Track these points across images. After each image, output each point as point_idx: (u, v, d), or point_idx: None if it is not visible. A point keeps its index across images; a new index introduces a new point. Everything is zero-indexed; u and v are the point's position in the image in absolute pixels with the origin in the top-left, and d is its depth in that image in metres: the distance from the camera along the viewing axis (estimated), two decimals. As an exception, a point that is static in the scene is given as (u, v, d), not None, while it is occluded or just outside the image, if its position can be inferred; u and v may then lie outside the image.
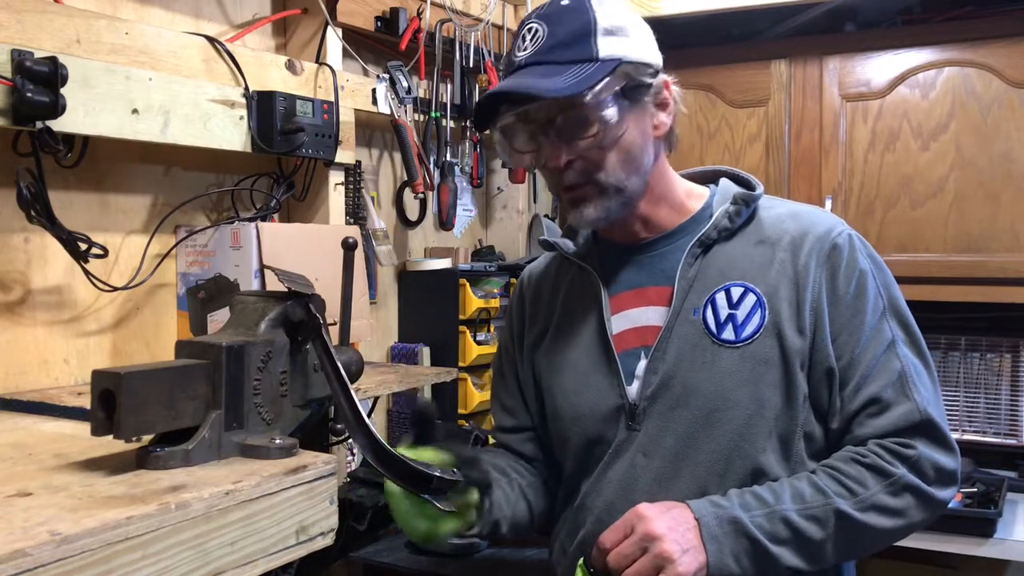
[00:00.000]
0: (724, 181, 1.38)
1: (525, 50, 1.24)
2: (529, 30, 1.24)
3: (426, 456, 1.18)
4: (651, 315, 1.31)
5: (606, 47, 1.22)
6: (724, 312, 1.26)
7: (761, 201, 1.34)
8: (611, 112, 1.21)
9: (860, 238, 1.31)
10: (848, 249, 1.27)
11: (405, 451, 1.18)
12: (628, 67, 1.23)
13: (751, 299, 1.26)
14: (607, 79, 1.20)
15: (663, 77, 1.28)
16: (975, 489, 2.38)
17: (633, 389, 1.29)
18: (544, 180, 1.34)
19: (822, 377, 1.24)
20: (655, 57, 1.28)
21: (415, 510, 1.18)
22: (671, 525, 1.15)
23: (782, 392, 1.23)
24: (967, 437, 2.63)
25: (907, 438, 1.21)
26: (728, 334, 1.25)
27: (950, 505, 2.25)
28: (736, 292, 1.26)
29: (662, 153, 1.32)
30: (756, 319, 1.25)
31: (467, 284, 2.51)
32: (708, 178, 1.41)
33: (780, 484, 1.21)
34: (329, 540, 0.98)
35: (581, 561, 1.22)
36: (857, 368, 1.23)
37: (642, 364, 1.29)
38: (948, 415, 2.63)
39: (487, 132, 2.55)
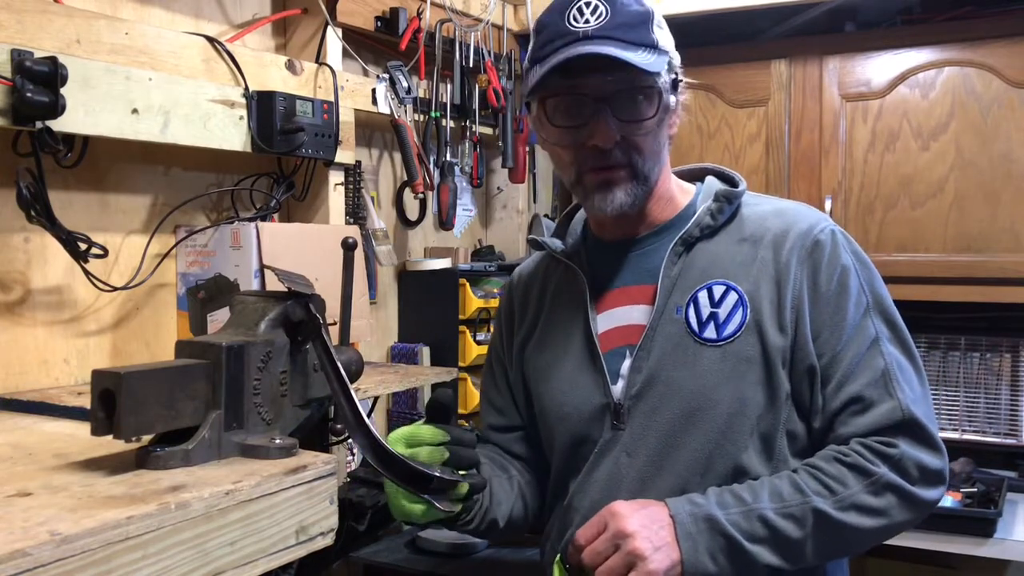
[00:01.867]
0: (709, 179, 1.38)
1: (587, 23, 1.22)
2: (587, 5, 1.23)
3: (423, 432, 1.18)
4: (635, 314, 1.31)
5: (661, 38, 1.25)
6: (706, 311, 1.26)
7: (745, 198, 1.34)
8: (671, 100, 1.25)
9: (844, 234, 1.30)
10: (830, 245, 1.26)
11: (406, 429, 1.18)
12: (672, 62, 1.27)
13: (732, 297, 1.25)
14: (667, 68, 1.24)
15: (684, 79, 1.31)
16: (975, 489, 2.38)
17: (618, 388, 1.29)
18: (563, 160, 1.30)
19: (804, 375, 1.24)
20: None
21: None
22: (644, 523, 1.15)
23: (764, 390, 1.23)
24: (967, 437, 2.63)
25: (890, 437, 1.20)
26: (710, 332, 1.25)
27: (949, 505, 2.27)
28: (718, 290, 1.26)
29: (667, 151, 1.34)
30: (737, 317, 1.25)
31: (467, 284, 2.51)
32: (695, 176, 1.41)
33: (759, 483, 1.21)
34: (329, 540, 0.98)
35: (558, 558, 1.22)
36: (839, 366, 1.23)
37: (626, 363, 1.29)
38: (948, 415, 2.66)
39: (493, 128, 2.58)
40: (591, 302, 1.34)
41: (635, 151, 1.24)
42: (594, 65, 1.19)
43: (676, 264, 1.29)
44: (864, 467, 1.19)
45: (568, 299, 1.38)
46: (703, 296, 1.27)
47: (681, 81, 1.29)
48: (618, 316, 1.32)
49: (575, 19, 1.23)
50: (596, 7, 1.22)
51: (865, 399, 1.22)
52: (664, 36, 1.26)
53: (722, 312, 1.25)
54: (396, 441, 1.19)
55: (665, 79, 1.24)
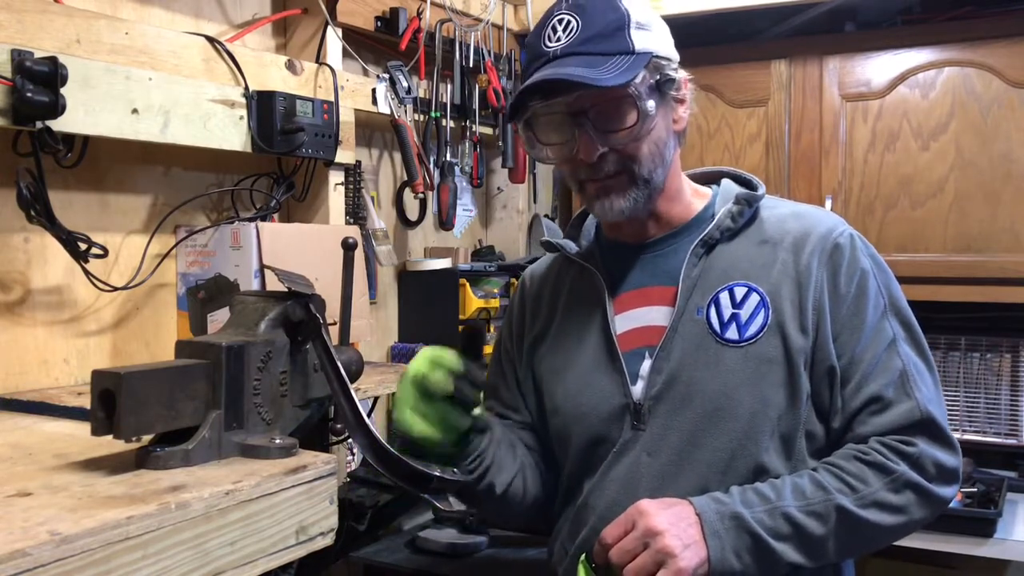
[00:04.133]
0: (726, 181, 1.39)
1: (558, 40, 1.23)
2: (560, 21, 1.24)
3: (447, 356, 1.18)
4: (655, 315, 1.31)
5: (639, 40, 1.23)
6: (728, 312, 1.26)
7: (763, 201, 1.34)
8: (649, 104, 1.23)
9: (861, 238, 1.32)
10: (850, 249, 1.28)
11: (434, 350, 1.19)
12: (659, 61, 1.25)
13: (754, 299, 1.26)
14: (644, 71, 1.23)
15: (683, 73, 1.31)
16: (975, 489, 2.38)
17: (638, 389, 1.29)
18: (565, 173, 1.33)
19: (824, 376, 1.25)
20: (675, 53, 1.30)
21: (425, 411, 1.17)
22: (672, 520, 1.15)
23: (785, 391, 1.24)
24: (967, 437, 2.62)
25: (908, 436, 1.22)
26: (732, 333, 1.26)
27: (950, 505, 2.27)
28: (740, 292, 1.27)
29: (676, 149, 1.33)
30: (760, 319, 1.25)
31: (467, 284, 2.50)
32: (710, 178, 1.42)
33: (781, 481, 1.22)
34: (329, 540, 0.98)
35: (583, 557, 1.22)
36: (858, 367, 1.24)
37: (646, 364, 1.29)
38: (948, 415, 2.64)
39: (493, 128, 2.58)
40: (610, 303, 1.34)
41: (628, 158, 1.25)
42: (563, 84, 1.20)
43: (696, 266, 1.30)
44: (884, 465, 1.20)
45: (584, 300, 1.38)
46: (724, 297, 1.27)
47: (673, 79, 1.27)
48: (637, 317, 1.33)
49: (548, 38, 1.25)
50: (568, 23, 1.23)
51: (884, 399, 1.23)
52: (645, 37, 1.24)
53: (744, 313, 1.26)
54: (423, 360, 1.18)
55: (641, 84, 1.22)
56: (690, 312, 1.28)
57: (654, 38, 1.26)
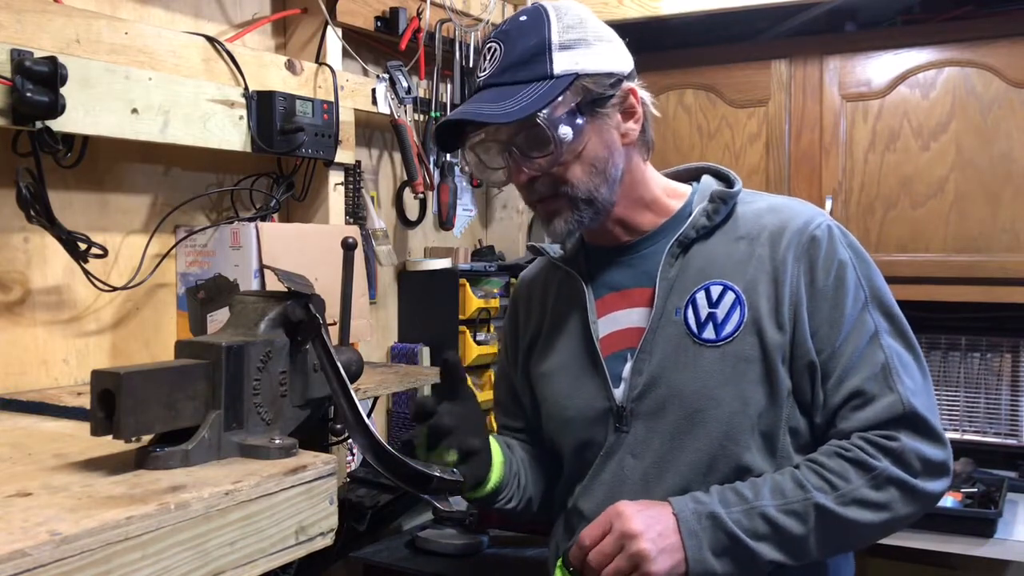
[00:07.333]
0: (705, 178, 1.38)
1: (485, 71, 1.26)
2: (489, 49, 1.26)
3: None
4: (635, 317, 1.31)
5: (561, 63, 1.22)
6: (704, 311, 1.26)
7: (741, 196, 1.33)
8: (565, 130, 1.21)
9: (841, 229, 1.30)
10: (827, 240, 1.26)
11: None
12: (586, 80, 1.23)
13: (730, 297, 1.25)
14: (562, 96, 1.21)
15: (628, 85, 1.27)
16: (975, 489, 2.38)
17: (620, 391, 1.29)
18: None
19: (804, 371, 1.24)
20: (619, 65, 1.27)
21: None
22: (648, 523, 1.15)
23: (765, 389, 1.23)
24: (967, 437, 2.63)
25: (891, 430, 1.20)
26: (709, 333, 1.25)
27: (949, 505, 2.27)
28: (715, 291, 1.26)
29: (636, 158, 1.31)
30: (736, 317, 1.25)
31: (467, 284, 2.51)
32: (691, 175, 1.41)
33: (762, 479, 1.21)
34: (329, 540, 0.98)
35: (560, 560, 1.22)
36: (839, 361, 1.23)
37: (628, 366, 1.29)
38: (949, 415, 2.66)
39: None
40: (592, 306, 1.34)
41: (561, 182, 1.25)
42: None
43: (673, 266, 1.29)
44: (865, 461, 1.19)
45: (569, 304, 1.38)
46: (701, 297, 1.27)
47: (608, 96, 1.24)
48: (618, 320, 1.33)
49: (480, 67, 1.27)
50: (494, 51, 1.25)
51: (866, 393, 1.21)
52: (570, 57, 1.22)
53: (720, 312, 1.25)
54: None
55: (556, 109, 1.20)
56: (668, 313, 1.28)
57: (583, 56, 1.23)
